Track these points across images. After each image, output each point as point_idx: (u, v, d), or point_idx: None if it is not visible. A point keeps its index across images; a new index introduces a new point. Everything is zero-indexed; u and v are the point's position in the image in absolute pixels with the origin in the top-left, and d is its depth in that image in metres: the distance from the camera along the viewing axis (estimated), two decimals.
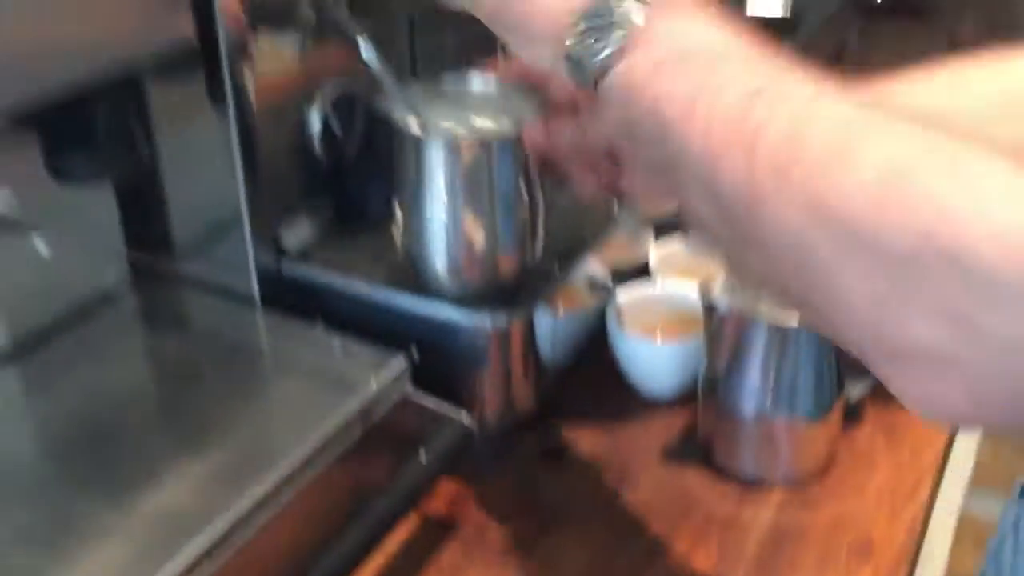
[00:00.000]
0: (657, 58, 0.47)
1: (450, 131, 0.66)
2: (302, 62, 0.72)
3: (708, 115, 0.43)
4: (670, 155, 0.46)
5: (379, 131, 0.78)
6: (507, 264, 0.70)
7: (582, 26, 0.50)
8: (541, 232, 0.72)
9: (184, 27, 0.60)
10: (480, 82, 0.70)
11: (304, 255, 0.75)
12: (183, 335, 0.74)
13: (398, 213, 0.70)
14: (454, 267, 0.69)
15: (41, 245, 0.59)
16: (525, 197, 0.69)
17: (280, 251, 0.74)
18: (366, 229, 0.78)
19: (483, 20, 0.57)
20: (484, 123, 0.67)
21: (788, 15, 1.37)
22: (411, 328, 0.71)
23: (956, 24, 1.52)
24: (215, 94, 0.66)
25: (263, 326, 0.73)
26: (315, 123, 0.74)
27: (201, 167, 0.72)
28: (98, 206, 0.72)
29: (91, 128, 0.61)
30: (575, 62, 0.50)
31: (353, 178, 0.78)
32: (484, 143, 0.66)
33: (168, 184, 0.74)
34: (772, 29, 0.51)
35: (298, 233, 0.75)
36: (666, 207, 0.95)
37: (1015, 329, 0.33)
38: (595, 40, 0.50)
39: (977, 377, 0.35)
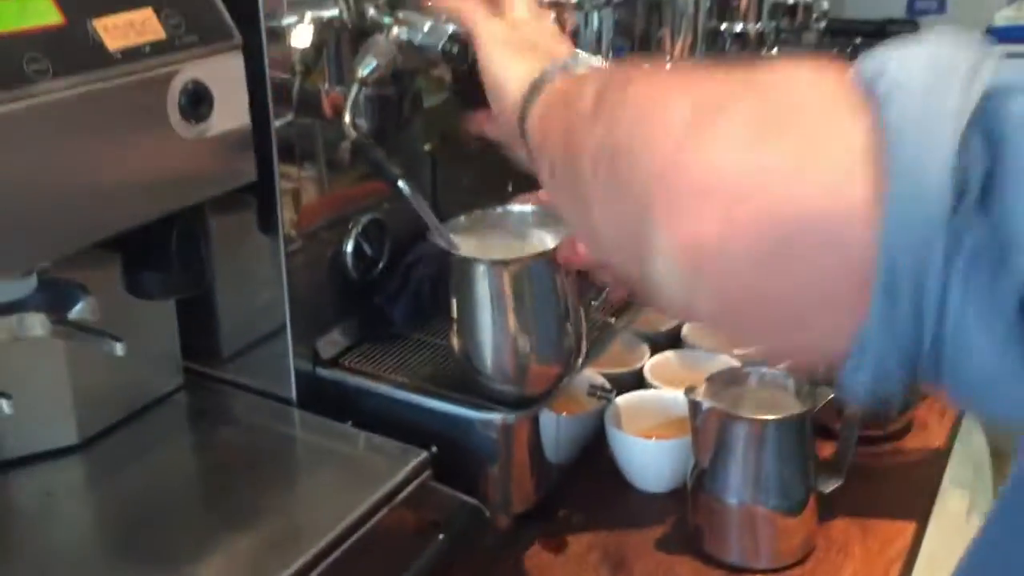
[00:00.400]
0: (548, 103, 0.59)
1: (489, 253, 0.77)
2: (339, 194, 0.84)
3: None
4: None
5: (402, 253, 0.89)
6: (552, 368, 0.80)
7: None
8: (584, 340, 0.82)
9: (247, 169, 0.71)
10: (516, 210, 0.81)
11: (336, 362, 0.85)
12: (230, 432, 0.84)
13: (454, 326, 0.80)
14: (501, 372, 0.78)
15: (120, 348, 0.69)
16: (563, 308, 0.79)
17: (316, 358, 0.84)
18: (391, 338, 0.88)
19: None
20: (523, 245, 0.79)
21: None
22: (431, 425, 0.80)
23: None
24: (267, 224, 0.78)
25: (300, 424, 0.83)
26: (349, 247, 0.85)
27: (251, 286, 0.83)
28: (160, 318, 0.82)
29: (161, 251, 0.72)
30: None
31: (380, 294, 0.89)
32: (520, 262, 0.76)
33: (220, 300, 0.85)
34: None
35: (332, 342, 0.86)
36: (664, 322, 1.06)
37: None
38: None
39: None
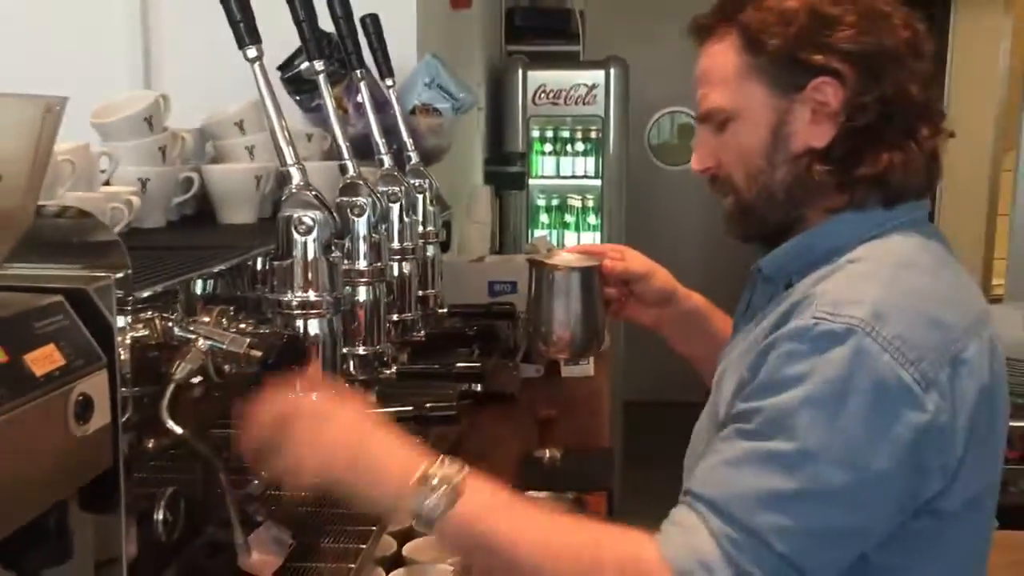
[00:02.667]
0: (479, 505, 0.96)
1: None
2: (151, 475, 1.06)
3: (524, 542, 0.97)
4: (494, 563, 0.95)
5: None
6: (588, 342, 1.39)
7: (417, 491, 0.98)
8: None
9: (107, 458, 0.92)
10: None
11: None
12: None
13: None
14: (561, 341, 1.38)
15: None
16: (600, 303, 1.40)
17: None
18: None
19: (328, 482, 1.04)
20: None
21: None
22: None
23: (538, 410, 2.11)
24: (111, 503, 0.97)
25: None
26: (159, 515, 1.06)
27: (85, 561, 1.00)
28: None
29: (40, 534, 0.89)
30: (420, 516, 0.98)
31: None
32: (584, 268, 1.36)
33: None
34: None
35: None
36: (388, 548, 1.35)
37: None
38: (427, 499, 0.98)
39: None
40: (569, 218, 4.97)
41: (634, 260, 1.43)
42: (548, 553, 0.99)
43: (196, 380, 1.08)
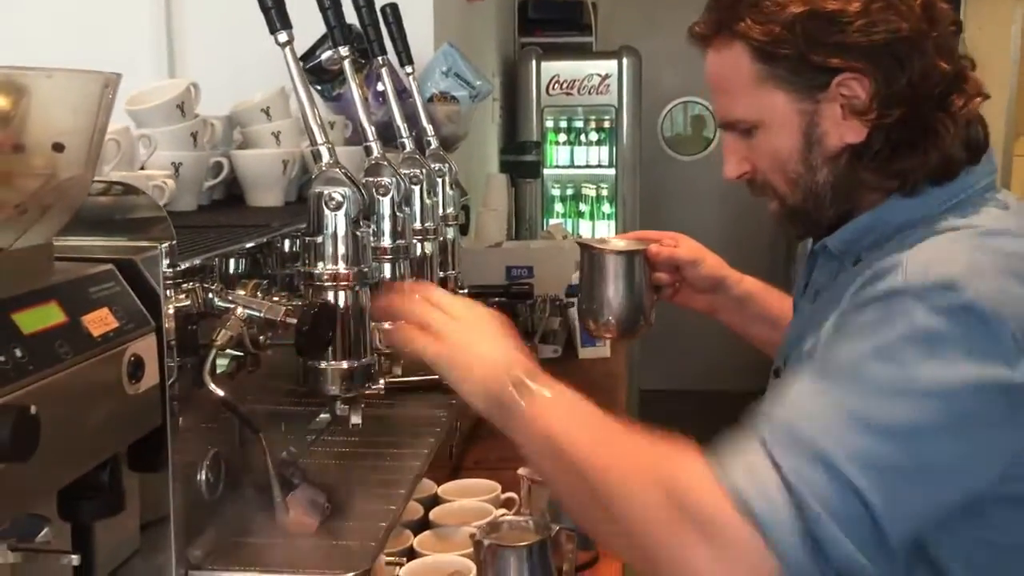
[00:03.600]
0: (544, 404, 1.01)
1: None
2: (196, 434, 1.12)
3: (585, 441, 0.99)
4: (554, 458, 1.00)
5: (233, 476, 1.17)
6: (633, 323, 1.45)
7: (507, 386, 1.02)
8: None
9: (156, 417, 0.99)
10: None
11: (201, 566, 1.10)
12: None
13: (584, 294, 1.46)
14: (609, 319, 1.44)
15: (75, 559, 0.90)
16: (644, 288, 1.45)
17: (189, 565, 1.08)
18: (233, 545, 1.14)
19: (428, 362, 1.08)
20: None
21: None
22: None
23: None
24: (159, 461, 1.03)
25: None
26: (201, 475, 1.12)
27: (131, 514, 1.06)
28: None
29: (95, 483, 0.95)
30: (505, 407, 1.02)
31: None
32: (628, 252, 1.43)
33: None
34: None
35: (198, 549, 1.10)
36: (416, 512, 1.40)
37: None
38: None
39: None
40: (583, 207, 5.02)
41: (684, 246, 1.46)
42: (608, 463, 0.97)
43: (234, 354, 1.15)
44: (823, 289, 1.17)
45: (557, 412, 1.02)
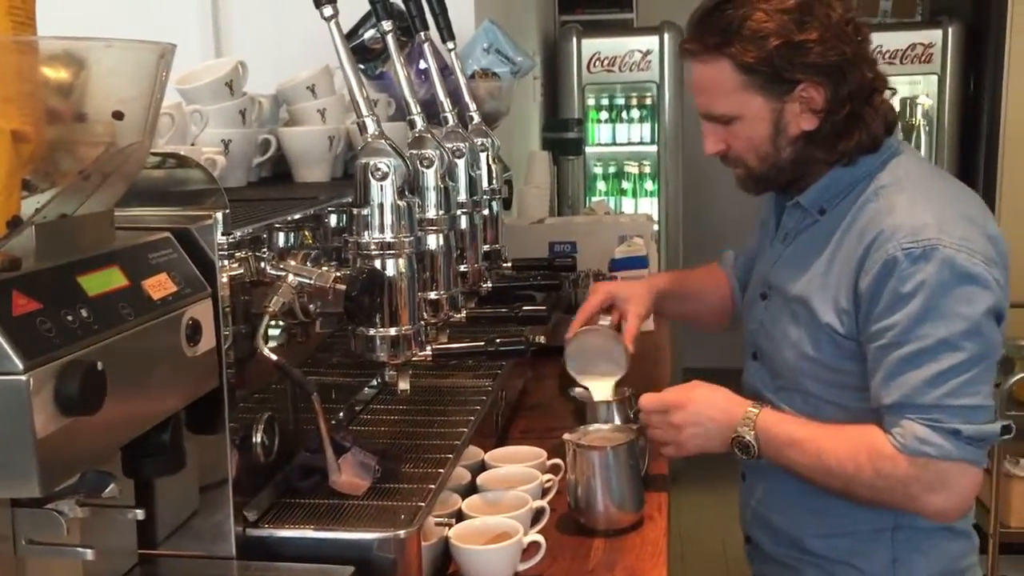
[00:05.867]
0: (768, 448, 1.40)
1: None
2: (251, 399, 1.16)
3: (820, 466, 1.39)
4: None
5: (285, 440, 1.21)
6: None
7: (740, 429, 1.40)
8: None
9: (214, 379, 1.02)
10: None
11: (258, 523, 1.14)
12: None
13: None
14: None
15: (140, 514, 0.95)
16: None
17: (246, 522, 1.12)
18: (287, 505, 1.18)
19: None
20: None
21: None
22: (343, 553, 1.11)
23: None
24: (217, 423, 1.07)
25: (243, 570, 1.09)
26: (257, 438, 1.16)
27: (191, 474, 1.10)
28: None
29: (157, 442, 0.99)
30: (742, 442, 1.39)
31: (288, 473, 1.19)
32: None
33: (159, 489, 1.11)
34: None
35: (254, 508, 1.14)
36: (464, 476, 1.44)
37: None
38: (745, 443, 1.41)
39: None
40: (626, 185, 5.01)
41: (633, 314, 1.73)
42: (830, 457, 1.37)
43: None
44: (792, 233, 1.55)
45: (782, 449, 1.41)
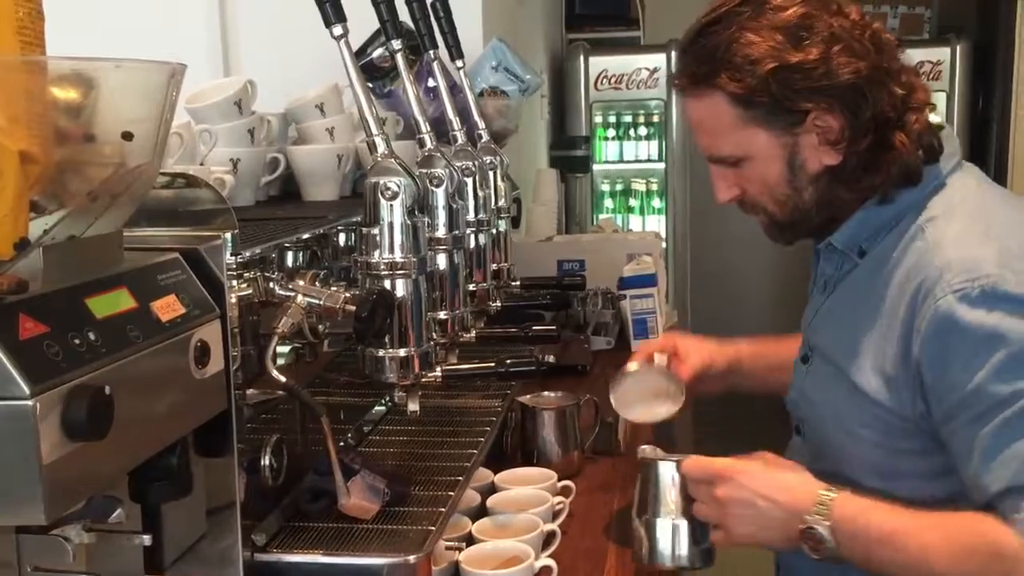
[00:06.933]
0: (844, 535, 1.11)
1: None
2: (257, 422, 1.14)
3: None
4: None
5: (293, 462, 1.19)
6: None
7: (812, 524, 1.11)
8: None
9: (222, 401, 1.01)
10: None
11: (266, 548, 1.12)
12: None
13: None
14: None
15: (147, 540, 0.93)
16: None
17: (253, 547, 1.11)
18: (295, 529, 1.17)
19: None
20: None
21: None
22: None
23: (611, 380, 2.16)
24: (225, 447, 1.06)
25: None
26: (266, 460, 1.14)
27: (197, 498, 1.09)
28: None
29: (165, 467, 0.97)
30: (813, 537, 1.10)
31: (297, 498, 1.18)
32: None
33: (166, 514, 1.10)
34: None
35: (262, 532, 1.13)
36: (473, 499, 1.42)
37: None
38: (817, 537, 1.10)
39: None
40: (633, 202, 5.01)
41: (692, 356, 1.50)
42: (939, 557, 1.09)
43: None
44: (832, 280, 1.31)
45: (872, 547, 1.11)
